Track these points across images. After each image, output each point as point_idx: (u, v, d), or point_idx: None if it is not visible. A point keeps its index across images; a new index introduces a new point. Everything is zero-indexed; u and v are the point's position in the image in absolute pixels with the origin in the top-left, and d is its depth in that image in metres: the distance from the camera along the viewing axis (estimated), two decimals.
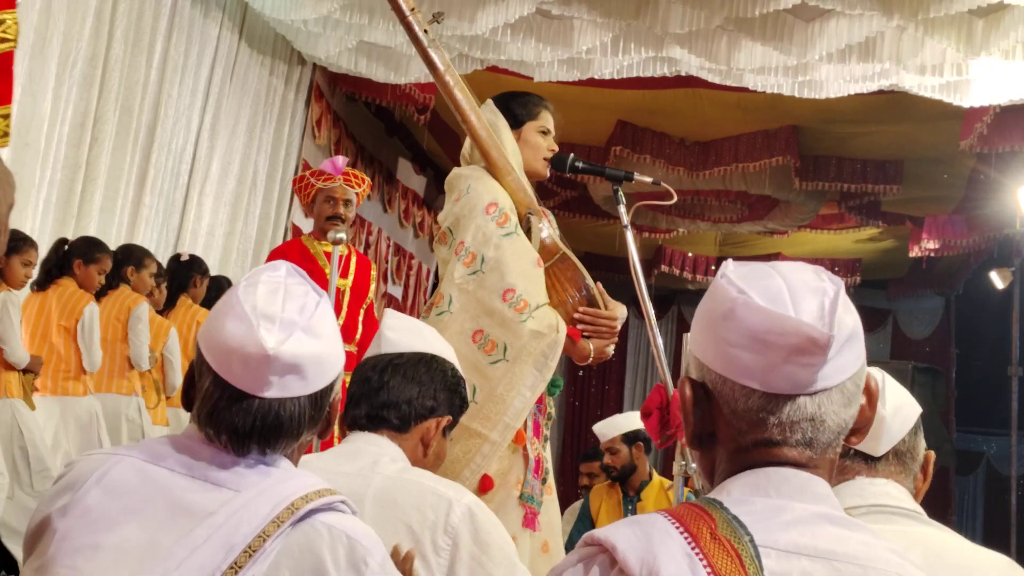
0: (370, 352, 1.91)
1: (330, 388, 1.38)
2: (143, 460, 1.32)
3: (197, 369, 1.36)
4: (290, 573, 1.25)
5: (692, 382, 1.09)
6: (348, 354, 3.86)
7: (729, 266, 1.08)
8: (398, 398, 1.83)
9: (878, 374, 1.41)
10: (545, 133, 2.77)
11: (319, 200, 4.07)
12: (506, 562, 1.68)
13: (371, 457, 1.75)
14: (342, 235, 3.50)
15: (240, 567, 1.21)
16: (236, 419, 1.30)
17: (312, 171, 4.16)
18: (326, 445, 3.52)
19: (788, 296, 1.02)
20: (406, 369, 1.85)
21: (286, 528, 1.25)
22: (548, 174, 2.82)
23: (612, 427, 4.72)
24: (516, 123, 2.74)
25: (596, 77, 6.47)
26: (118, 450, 1.35)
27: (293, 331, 1.29)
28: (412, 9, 2.59)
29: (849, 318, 1.03)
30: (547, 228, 2.67)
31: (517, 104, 2.77)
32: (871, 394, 1.08)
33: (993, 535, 10.46)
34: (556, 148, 2.79)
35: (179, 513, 1.27)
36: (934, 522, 1.45)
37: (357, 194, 4.12)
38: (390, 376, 1.84)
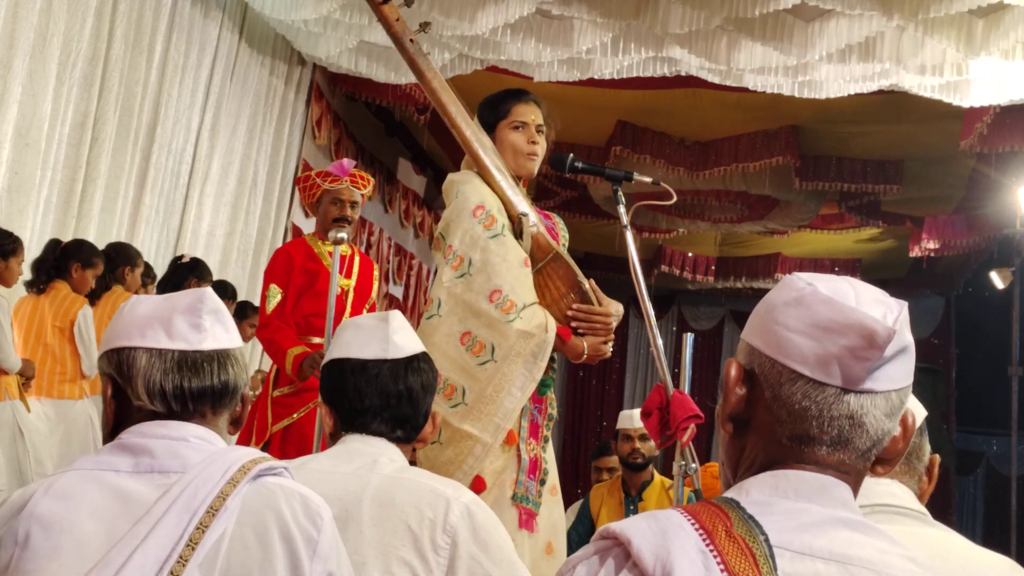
0: (369, 355, 1.82)
1: (243, 352, 1.46)
2: (88, 469, 1.37)
3: (124, 366, 1.41)
4: (253, 530, 1.33)
5: (738, 364, 1.09)
6: None
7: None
8: (418, 412, 1.82)
9: None
10: (519, 127, 2.68)
11: (325, 201, 4.06)
12: (505, 561, 1.68)
13: (368, 457, 1.75)
14: (343, 235, 3.49)
15: (206, 526, 1.28)
16: (189, 381, 1.40)
17: (318, 172, 4.14)
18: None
19: (854, 297, 1.03)
20: (423, 376, 1.83)
21: (242, 487, 1.32)
22: (536, 169, 2.74)
23: None
24: (490, 128, 2.71)
25: (596, 77, 6.48)
26: (61, 469, 1.41)
27: (204, 289, 1.45)
28: (397, 19, 2.61)
29: (908, 334, 1.04)
30: (539, 227, 2.66)
31: (486, 110, 2.72)
32: (906, 428, 1.07)
33: (993, 535, 10.48)
34: (536, 139, 2.70)
35: (132, 503, 1.32)
36: (938, 523, 1.45)
37: (363, 195, 4.12)
38: (410, 388, 1.81)
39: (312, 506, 1.38)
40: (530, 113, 2.70)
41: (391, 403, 1.79)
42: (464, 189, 2.59)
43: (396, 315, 1.87)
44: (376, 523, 1.64)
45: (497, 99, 2.74)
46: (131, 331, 1.41)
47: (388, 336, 1.81)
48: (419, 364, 1.83)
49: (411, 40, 2.64)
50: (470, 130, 2.63)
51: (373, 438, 1.79)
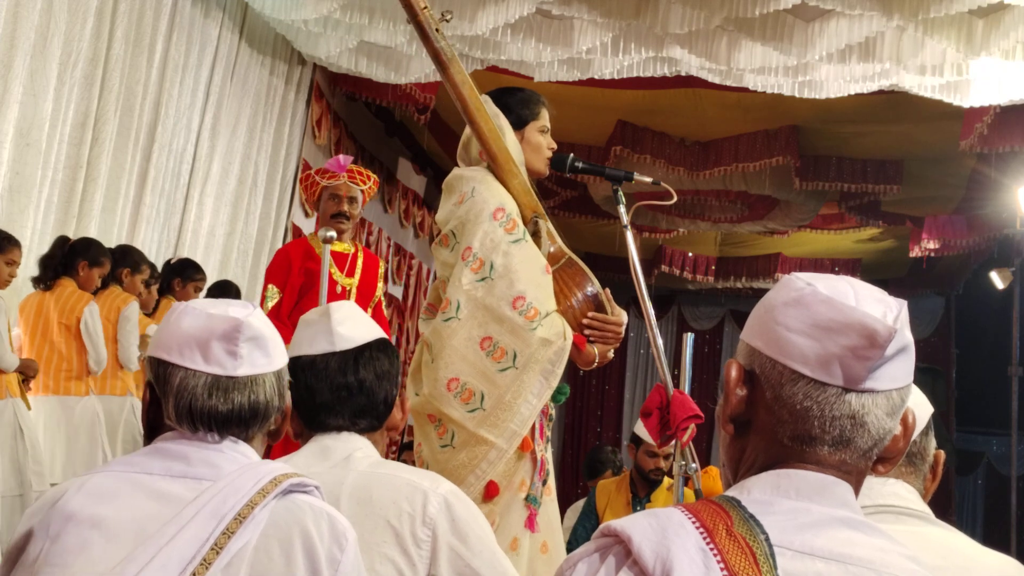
0: (317, 350, 1.80)
1: (284, 372, 1.49)
2: (121, 471, 1.39)
3: (160, 379, 1.42)
4: (278, 544, 1.34)
5: (739, 365, 1.08)
6: None
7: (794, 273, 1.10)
8: (375, 401, 1.79)
9: None
10: (544, 131, 2.76)
11: (324, 198, 4.10)
12: (486, 551, 1.67)
13: (341, 453, 1.74)
14: (332, 234, 3.51)
15: (232, 532, 1.29)
16: (218, 405, 1.40)
17: (317, 169, 4.17)
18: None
19: (854, 296, 1.03)
20: (376, 365, 1.80)
21: (271, 500, 1.34)
22: (548, 172, 2.82)
23: None
24: (520, 123, 2.72)
25: (596, 77, 6.47)
26: (95, 468, 1.44)
27: (250, 309, 1.44)
28: (424, 7, 2.54)
29: (908, 332, 1.04)
30: (554, 233, 2.66)
31: (519, 103, 2.75)
32: (907, 427, 1.07)
33: (993, 535, 10.47)
34: (555, 145, 2.78)
35: (163, 504, 1.34)
36: (942, 523, 1.45)
37: (363, 191, 4.12)
38: (361, 379, 1.78)
39: (338, 527, 1.40)
40: (549, 119, 2.79)
41: (343, 396, 1.77)
42: (480, 188, 2.56)
43: (341, 306, 1.84)
44: (355, 521, 1.63)
45: (530, 98, 2.77)
46: (171, 345, 1.41)
47: (332, 329, 1.79)
48: (371, 353, 1.80)
49: (436, 30, 2.58)
50: (489, 129, 2.61)
51: (341, 434, 1.77)
